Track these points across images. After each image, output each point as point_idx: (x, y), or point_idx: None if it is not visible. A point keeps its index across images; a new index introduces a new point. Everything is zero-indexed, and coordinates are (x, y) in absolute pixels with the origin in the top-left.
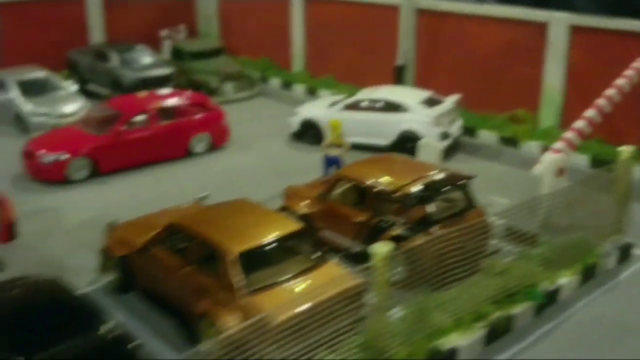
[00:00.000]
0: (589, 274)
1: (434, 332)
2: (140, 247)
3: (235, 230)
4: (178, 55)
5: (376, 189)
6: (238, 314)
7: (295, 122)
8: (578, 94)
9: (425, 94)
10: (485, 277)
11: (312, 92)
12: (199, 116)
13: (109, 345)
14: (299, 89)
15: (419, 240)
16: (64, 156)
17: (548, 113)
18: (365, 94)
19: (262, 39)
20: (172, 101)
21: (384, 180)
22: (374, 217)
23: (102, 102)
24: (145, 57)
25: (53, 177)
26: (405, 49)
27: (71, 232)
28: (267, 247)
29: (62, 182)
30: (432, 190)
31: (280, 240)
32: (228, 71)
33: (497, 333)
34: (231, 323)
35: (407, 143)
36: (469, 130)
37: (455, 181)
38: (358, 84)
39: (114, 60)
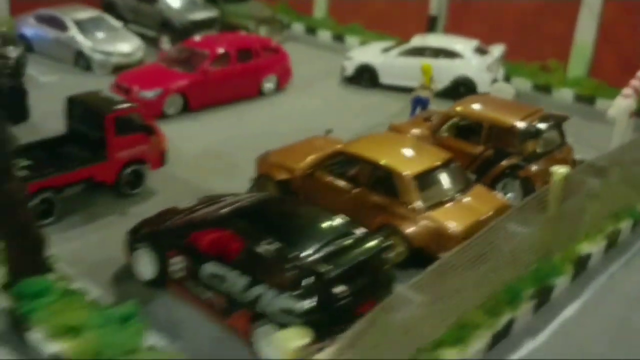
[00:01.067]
0: None
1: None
2: (303, 171)
3: (403, 157)
4: None
5: (493, 124)
6: (419, 225)
7: (350, 66)
8: (608, 48)
9: (473, 42)
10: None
11: (339, 39)
12: (269, 58)
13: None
14: (325, 35)
15: (533, 169)
16: (161, 92)
17: (577, 64)
18: (418, 41)
19: None
20: (248, 43)
21: (499, 116)
22: (487, 149)
23: (181, 43)
24: None
25: (151, 112)
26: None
27: (192, 161)
28: (433, 171)
29: (159, 116)
30: (540, 126)
31: (441, 166)
32: (262, 15)
33: (612, 244)
34: (413, 231)
35: (460, 87)
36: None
37: (555, 120)
38: (386, 32)
39: (162, 1)
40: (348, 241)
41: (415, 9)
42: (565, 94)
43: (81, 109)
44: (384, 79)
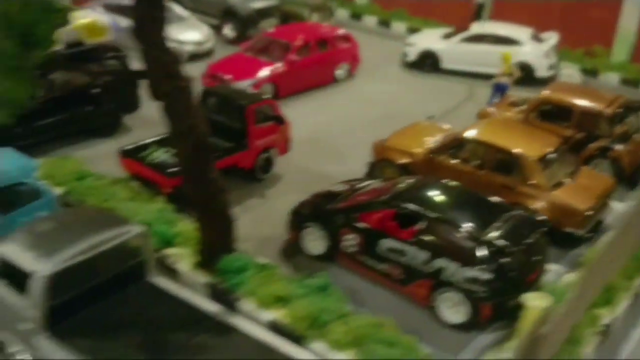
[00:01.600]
0: None
1: None
2: (424, 155)
3: (524, 141)
4: None
5: (584, 110)
6: (546, 203)
7: (412, 52)
8: None
9: (529, 30)
10: None
11: (384, 24)
12: (343, 46)
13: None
14: (370, 20)
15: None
16: (256, 82)
17: (620, 50)
18: (478, 29)
19: None
20: (324, 33)
21: (588, 103)
22: (577, 133)
23: (263, 33)
24: None
25: None
26: None
27: (300, 146)
28: (551, 154)
29: None
30: (624, 111)
31: (557, 149)
32: (315, 2)
33: None
34: (542, 208)
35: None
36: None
37: (636, 105)
38: (431, 18)
39: None
40: (515, 219)
41: None
42: (610, 78)
43: (218, 100)
44: (446, 64)
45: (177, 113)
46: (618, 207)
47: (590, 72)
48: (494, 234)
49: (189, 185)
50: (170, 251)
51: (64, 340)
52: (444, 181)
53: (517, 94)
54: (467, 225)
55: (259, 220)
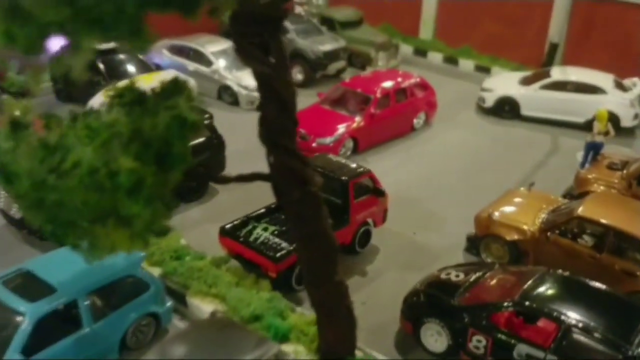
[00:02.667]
0: None
1: None
2: (536, 232)
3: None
4: (329, 24)
5: None
6: None
7: (489, 98)
8: None
9: (611, 77)
10: None
11: (451, 61)
12: (421, 95)
13: None
14: (435, 57)
15: None
16: (338, 138)
17: None
18: (559, 75)
19: (382, 4)
20: (404, 82)
21: None
22: None
23: (339, 84)
24: (312, 27)
25: None
26: (559, 26)
27: (392, 210)
28: None
29: None
30: None
31: None
32: (380, 41)
33: None
34: None
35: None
36: None
37: None
38: (501, 55)
39: (292, 31)
40: None
41: (531, 33)
42: None
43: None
44: (526, 111)
45: (306, 218)
46: None
47: None
48: None
49: (313, 289)
50: (286, 347)
51: None
52: (574, 277)
53: (612, 152)
54: (610, 335)
55: (365, 304)
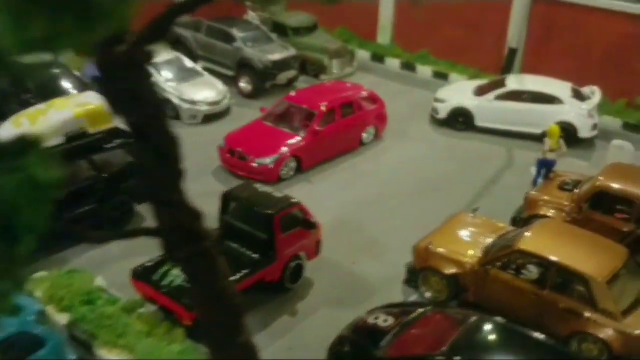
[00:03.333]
0: None
1: None
2: (476, 269)
3: (590, 256)
4: (281, 30)
5: None
6: (618, 333)
7: (442, 109)
8: None
9: (569, 85)
10: None
11: (408, 67)
12: (370, 108)
13: None
14: (392, 62)
15: None
16: (278, 158)
17: None
18: (514, 84)
19: (340, 8)
20: (351, 95)
21: None
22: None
23: (283, 98)
24: (261, 35)
25: (268, 178)
26: (518, 32)
27: (328, 234)
28: (620, 270)
29: (276, 181)
30: None
31: (625, 264)
32: (334, 47)
33: None
34: (614, 339)
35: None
36: None
37: None
38: (459, 61)
39: (239, 39)
40: None
41: (490, 39)
42: None
43: (240, 207)
44: (480, 122)
45: (201, 278)
46: None
47: (634, 127)
48: None
49: (215, 351)
50: None
51: None
52: (510, 326)
53: (565, 170)
54: None
55: (291, 350)
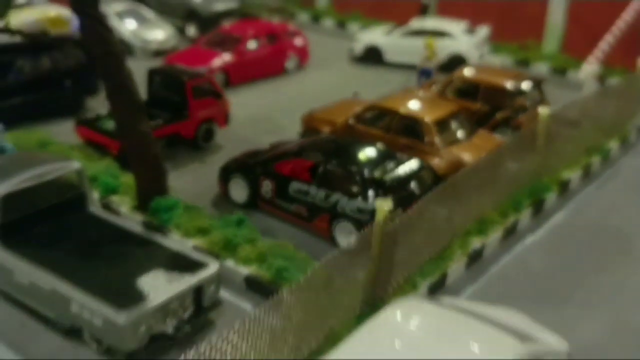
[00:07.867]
0: None
1: None
2: (344, 124)
3: (423, 107)
4: None
5: (488, 85)
6: (441, 159)
7: (358, 47)
8: (577, 28)
9: (463, 24)
10: None
11: (341, 26)
12: (292, 40)
13: None
14: (328, 23)
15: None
16: (207, 70)
17: (550, 42)
18: (417, 24)
19: None
20: (273, 28)
21: (492, 79)
22: (484, 106)
23: (216, 29)
24: None
25: None
26: None
27: (244, 123)
28: (447, 118)
29: None
30: (524, 86)
31: (453, 114)
32: (274, 6)
33: (586, 173)
34: (437, 163)
35: (454, 63)
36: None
37: (535, 81)
38: (385, 18)
39: None
40: (396, 162)
41: None
42: (541, 67)
43: (162, 78)
44: (388, 57)
45: (109, 73)
46: None
47: (522, 63)
48: (379, 172)
49: (123, 138)
50: (114, 198)
51: (13, 248)
52: (345, 138)
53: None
54: (360, 166)
55: (197, 179)
